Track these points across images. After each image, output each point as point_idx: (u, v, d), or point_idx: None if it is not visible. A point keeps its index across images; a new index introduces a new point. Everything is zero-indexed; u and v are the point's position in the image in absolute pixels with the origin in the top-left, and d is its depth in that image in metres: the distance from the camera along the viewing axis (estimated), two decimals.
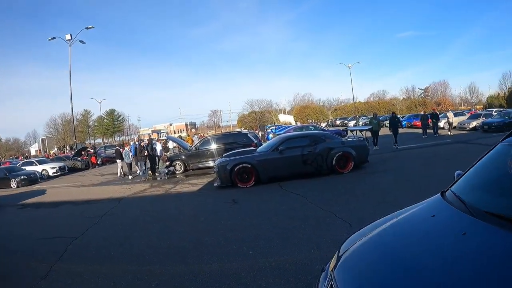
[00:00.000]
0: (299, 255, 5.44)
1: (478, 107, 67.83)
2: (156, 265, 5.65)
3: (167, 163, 18.09)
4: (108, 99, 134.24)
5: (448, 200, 2.95)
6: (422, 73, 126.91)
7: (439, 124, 27.19)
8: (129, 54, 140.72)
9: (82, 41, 40.58)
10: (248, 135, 19.60)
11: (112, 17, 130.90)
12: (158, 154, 21.55)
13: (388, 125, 22.14)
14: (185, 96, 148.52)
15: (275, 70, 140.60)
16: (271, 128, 40.85)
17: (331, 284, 2.54)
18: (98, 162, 31.94)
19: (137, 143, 19.58)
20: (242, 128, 57.72)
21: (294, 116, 73.22)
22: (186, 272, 5.22)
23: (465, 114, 36.55)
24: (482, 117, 29.08)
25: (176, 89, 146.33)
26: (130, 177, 18.71)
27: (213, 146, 18.65)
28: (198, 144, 19.30)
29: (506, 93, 73.40)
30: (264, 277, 4.83)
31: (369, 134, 20.06)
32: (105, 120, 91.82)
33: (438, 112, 28.93)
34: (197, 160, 18.56)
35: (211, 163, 18.13)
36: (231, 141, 18.73)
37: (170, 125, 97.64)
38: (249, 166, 12.09)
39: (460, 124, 29.37)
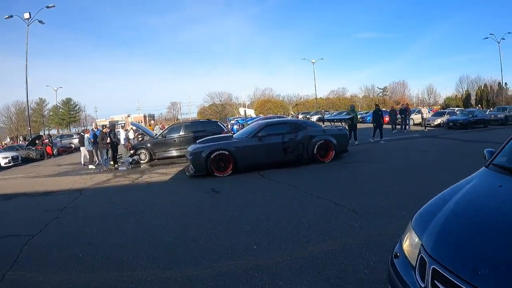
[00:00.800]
0: (318, 248, 4.49)
1: (435, 107, 70.94)
2: (138, 269, 4.33)
3: (131, 151, 16.60)
4: (64, 88, 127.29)
5: (501, 172, 2.94)
6: (381, 73, 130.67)
7: (411, 119, 27.51)
8: (86, 42, 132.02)
9: (41, 21, 36.88)
10: (220, 124, 18.42)
11: (70, 2, 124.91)
12: (122, 143, 20.09)
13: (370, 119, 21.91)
14: (144, 88, 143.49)
15: (236, 64, 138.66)
16: (236, 119, 39.64)
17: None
18: (54, 153, 29.52)
19: (96, 129, 17.93)
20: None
21: (255, 110, 72.42)
22: (181, 277, 4.01)
23: (429, 112, 37.33)
24: (446, 115, 29.99)
25: (135, 80, 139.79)
26: (91, 166, 16.81)
27: (181, 134, 17.20)
28: (165, 132, 17.74)
29: (464, 95, 78.55)
30: (283, 276, 3.82)
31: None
32: (60, 110, 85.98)
33: (409, 108, 28.87)
34: (163, 149, 17.01)
35: (178, 153, 16.90)
36: (200, 129, 17.36)
37: (128, 116, 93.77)
38: (227, 153, 10.94)
39: (426, 120, 29.79)
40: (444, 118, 28.67)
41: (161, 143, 17.05)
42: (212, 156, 10.83)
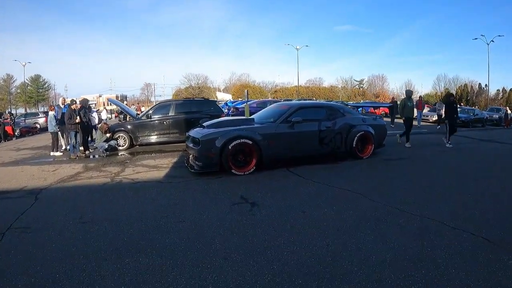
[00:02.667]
0: None
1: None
2: None
3: (107, 134, 12.61)
4: (33, 65, 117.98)
5: None
6: (359, 66, 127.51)
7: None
8: (58, 18, 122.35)
9: None
10: (217, 104, 14.75)
11: None
12: (96, 123, 16.11)
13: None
14: (117, 68, 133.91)
15: (212, 49, 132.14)
16: (225, 101, 35.66)
17: None
18: (16, 133, 25.15)
19: (63, 106, 13.96)
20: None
21: (232, 95, 68.79)
22: None
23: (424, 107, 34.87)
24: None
25: (107, 60, 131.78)
26: (54, 153, 12.62)
27: (170, 115, 13.43)
28: (150, 111, 13.69)
29: (443, 92, 76.55)
30: None
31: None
32: (29, 87, 78.29)
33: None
34: (147, 132, 13.17)
35: (165, 138, 13.25)
36: (194, 109, 13.67)
37: (100, 96, 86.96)
38: (250, 142, 7.55)
39: (423, 116, 27.22)
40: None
41: (145, 126, 13.13)
42: (230, 146, 7.39)
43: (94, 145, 12.44)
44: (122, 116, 14.72)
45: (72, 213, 5.55)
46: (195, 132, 8.06)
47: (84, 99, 14.02)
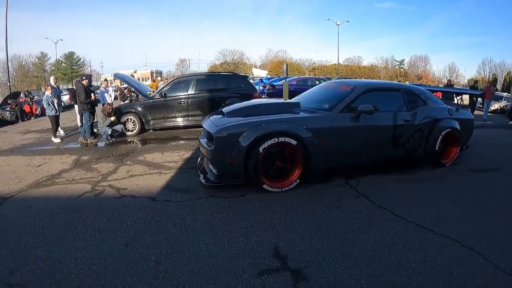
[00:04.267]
0: None
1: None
2: None
3: (112, 118, 10.04)
4: (67, 42, 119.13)
5: None
6: (400, 45, 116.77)
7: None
8: None
9: None
10: (250, 80, 11.81)
11: None
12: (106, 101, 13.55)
13: None
14: (152, 44, 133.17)
15: (248, 24, 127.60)
16: (260, 78, 32.11)
17: None
18: (37, 112, 23.31)
19: (55, 85, 11.39)
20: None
21: (269, 71, 65.66)
22: None
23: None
24: (504, 100, 23.59)
25: (142, 36, 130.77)
26: (54, 139, 10.28)
27: (190, 94, 10.87)
28: (165, 89, 11.08)
29: (491, 78, 69.57)
30: None
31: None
32: (62, 64, 77.74)
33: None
34: (162, 114, 10.73)
35: (184, 122, 10.83)
36: (220, 86, 11.03)
37: (135, 72, 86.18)
38: (294, 142, 4.82)
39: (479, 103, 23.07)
40: (503, 104, 22.53)
41: (158, 107, 10.69)
42: (262, 148, 4.71)
43: (96, 130, 9.97)
44: (134, 95, 11.92)
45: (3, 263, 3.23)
46: (209, 123, 5.39)
47: (89, 74, 11.52)
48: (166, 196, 4.97)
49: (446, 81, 24.38)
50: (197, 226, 3.99)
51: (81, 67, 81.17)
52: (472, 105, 16.78)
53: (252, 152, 4.66)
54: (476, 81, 18.27)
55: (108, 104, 10.54)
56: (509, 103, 22.01)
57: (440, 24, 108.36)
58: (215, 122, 5.15)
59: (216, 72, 12.76)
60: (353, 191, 5.04)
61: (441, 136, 6.27)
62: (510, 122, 14.78)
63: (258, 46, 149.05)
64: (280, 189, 4.85)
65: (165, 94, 10.73)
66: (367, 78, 56.93)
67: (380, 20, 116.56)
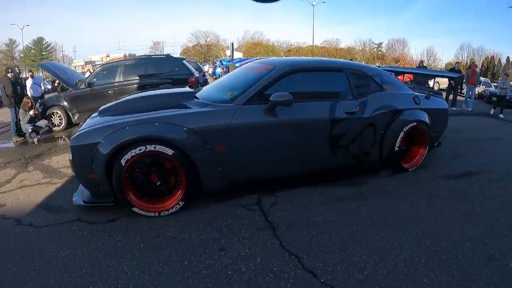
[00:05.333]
0: None
1: None
2: None
3: (31, 112, 8.44)
4: (38, 28, 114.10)
5: None
6: (378, 28, 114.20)
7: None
8: None
9: None
10: (185, 63, 10.36)
11: None
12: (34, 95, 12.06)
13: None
14: (125, 26, 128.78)
15: (224, 5, 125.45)
16: (219, 60, 29.71)
17: None
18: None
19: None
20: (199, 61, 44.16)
21: (243, 53, 63.98)
22: None
23: None
24: (482, 85, 22.32)
25: (115, 18, 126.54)
26: (15, 138, 8.57)
27: (118, 82, 9.37)
28: (91, 78, 9.57)
29: (468, 62, 68.25)
30: None
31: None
32: (32, 51, 73.88)
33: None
34: (88, 106, 9.04)
35: None
36: (151, 71, 9.47)
37: (107, 56, 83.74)
38: (170, 152, 3.43)
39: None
40: (481, 89, 20.98)
41: (84, 97, 9.24)
42: (125, 160, 3.38)
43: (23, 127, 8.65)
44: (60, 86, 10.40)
45: None
46: (78, 130, 3.92)
47: (15, 65, 10.15)
48: (32, 218, 3.79)
49: (419, 63, 20.47)
50: (34, 267, 2.85)
51: (51, 52, 77.51)
52: (450, 90, 14.45)
53: (115, 165, 3.39)
54: (457, 63, 15.78)
55: (27, 98, 9.12)
56: (488, 88, 20.97)
57: (420, 9, 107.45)
58: (83, 127, 3.88)
59: (147, 56, 11.24)
60: (260, 218, 3.59)
61: (402, 132, 4.78)
62: (494, 110, 13.03)
63: (236, 28, 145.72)
64: (157, 213, 3.57)
65: (90, 83, 9.34)
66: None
67: (360, 3, 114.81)
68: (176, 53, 76.75)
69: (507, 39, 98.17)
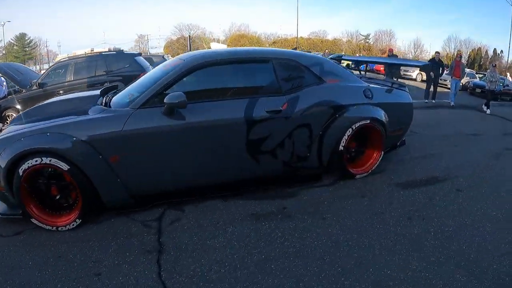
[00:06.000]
0: None
1: None
2: None
3: None
4: (20, 23, 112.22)
5: None
6: (365, 20, 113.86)
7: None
8: None
9: None
10: (138, 59, 9.97)
11: None
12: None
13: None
14: (110, 19, 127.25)
15: None
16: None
17: None
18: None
19: None
20: (169, 55, 43.48)
21: (228, 46, 63.57)
22: None
23: None
24: (466, 76, 21.16)
25: (99, 11, 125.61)
26: None
27: (69, 81, 9.02)
28: (43, 78, 9.21)
29: (455, 54, 67.77)
30: None
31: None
32: (14, 47, 72.91)
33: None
34: None
35: None
36: (101, 69, 9.14)
37: (92, 50, 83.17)
38: (65, 167, 3.12)
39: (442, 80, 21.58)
40: (464, 80, 20.22)
41: (35, 98, 8.44)
42: (22, 170, 3.09)
43: None
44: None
45: None
46: None
47: None
48: None
49: (387, 51, 17.87)
50: None
51: (33, 48, 76.39)
52: (430, 82, 13.30)
53: (15, 176, 3.15)
54: (437, 52, 14.11)
55: None
56: (472, 80, 20.60)
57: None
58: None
59: (97, 53, 10.92)
60: (153, 238, 3.18)
61: (348, 132, 4.21)
62: (487, 109, 11.79)
63: (222, 20, 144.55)
64: (55, 228, 3.31)
65: (41, 84, 9.05)
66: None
67: None
68: (161, 47, 76.39)
69: (494, 31, 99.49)
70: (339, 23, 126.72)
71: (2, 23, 57.62)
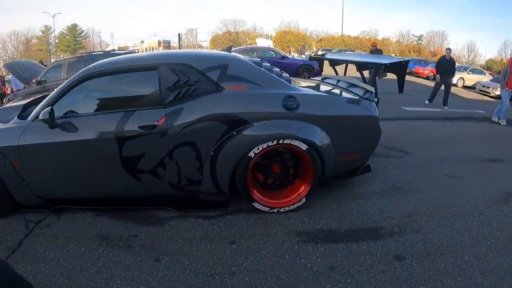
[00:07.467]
0: None
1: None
2: None
3: None
4: (74, 15, 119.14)
5: None
6: (418, 20, 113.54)
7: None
8: None
9: None
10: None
11: None
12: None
13: None
14: (161, 13, 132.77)
15: None
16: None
17: None
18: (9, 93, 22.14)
19: None
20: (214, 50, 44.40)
21: (273, 42, 63.66)
22: None
23: (484, 73, 25.89)
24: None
25: (149, 5, 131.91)
26: None
27: (62, 79, 9.09)
28: (43, 75, 10.03)
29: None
30: None
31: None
32: (66, 37, 78.55)
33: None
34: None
35: None
36: None
37: (142, 42, 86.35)
38: None
39: (482, 86, 19.98)
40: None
41: (36, 95, 9.80)
42: None
43: None
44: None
45: None
46: None
47: None
48: None
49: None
50: None
51: (84, 38, 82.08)
52: (440, 84, 12.00)
53: None
54: (448, 49, 12.30)
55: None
56: None
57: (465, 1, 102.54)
58: None
59: (87, 53, 11.53)
60: (18, 238, 3.40)
61: (252, 154, 3.58)
62: None
63: (272, 16, 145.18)
64: None
65: (40, 81, 9.86)
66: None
67: None
68: (207, 41, 78.26)
69: None
70: (392, 22, 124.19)
71: (53, 14, 62.95)
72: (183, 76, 3.59)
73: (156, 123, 3.48)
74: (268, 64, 4.39)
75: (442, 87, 11.98)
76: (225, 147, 3.55)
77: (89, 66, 3.91)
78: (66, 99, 3.67)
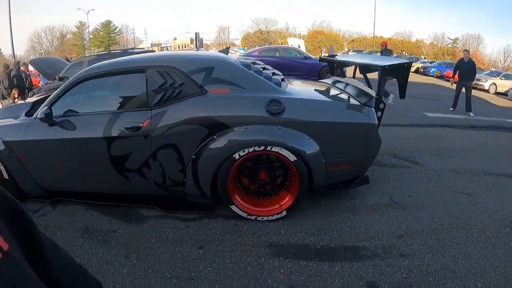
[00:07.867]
0: None
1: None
2: None
3: (16, 101, 9.70)
4: (107, 11, 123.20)
5: None
6: (453, 22, 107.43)
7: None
8: None
9: None
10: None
11: None
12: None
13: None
14: (195, 11, 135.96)
15: None
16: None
17: None
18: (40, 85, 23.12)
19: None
20: (245, 48, 44.34)
21: (305, 42, 63.46)
22: None
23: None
24: None
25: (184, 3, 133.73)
26: None
27: None
28: (63, 72, 10.42)
29: None
30: None
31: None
32: (100, 33, 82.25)
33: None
34: None
35: None
36: None
37: (174, 39, 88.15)
38: None
39: None
40: None
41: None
42: None
43: None
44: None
45: None
46: None
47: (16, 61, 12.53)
48: None
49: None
50: None
51: (118, 34, 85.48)
52: (460, 87, 11.24)
53: None
54: (466, 51, 11.74)
55: (14, 89, 10.77)
56: None
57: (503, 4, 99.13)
58: None
59: (106, 51, 11.92)
60: None
61: (235, 156, 3.51)
62: None
63: (306, 15, 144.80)
64: None
65: (62, 77, 10.30)
66: (405, 54, 53.26)
67: None
68: (239, 39, 79.07)
69: None
70: (428, 24, 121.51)
71: (87, 11, 67.33)
72: (168, 78, 3.65)
73: (140, 125, 3.59)
74: (260, 66, 4.31)
75: (463, 90, 11.27)
76: (206, 151, 3.56)
77: (86, 68, 4.29)
78: (64, 99, 3.96)
